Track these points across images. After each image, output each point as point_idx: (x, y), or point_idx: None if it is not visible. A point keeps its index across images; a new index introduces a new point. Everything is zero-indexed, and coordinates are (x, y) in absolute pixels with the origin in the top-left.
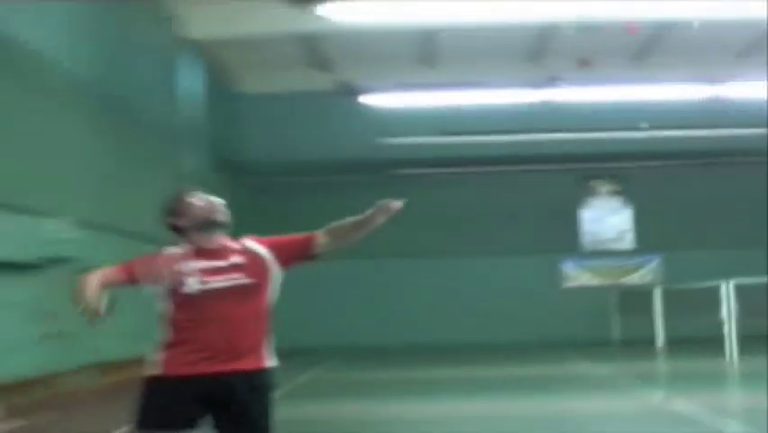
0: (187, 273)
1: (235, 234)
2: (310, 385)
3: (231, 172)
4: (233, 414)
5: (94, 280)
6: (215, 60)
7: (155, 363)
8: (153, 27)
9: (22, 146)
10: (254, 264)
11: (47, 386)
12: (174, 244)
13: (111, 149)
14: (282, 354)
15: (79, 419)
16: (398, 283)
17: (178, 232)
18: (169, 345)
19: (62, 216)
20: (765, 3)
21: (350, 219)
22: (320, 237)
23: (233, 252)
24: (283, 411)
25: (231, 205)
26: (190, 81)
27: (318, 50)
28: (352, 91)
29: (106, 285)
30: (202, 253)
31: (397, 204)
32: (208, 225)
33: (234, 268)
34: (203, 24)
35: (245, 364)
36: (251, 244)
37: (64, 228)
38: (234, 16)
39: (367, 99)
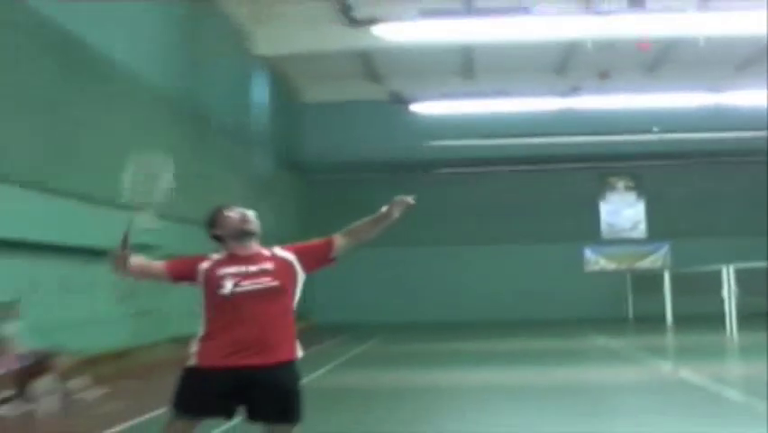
0: (223, 277)
1: (301, 220)
2: (359, 357)
3: (293, 171)
4: (262, 403)
5: (133, 259)
6: (281, 74)
7: (192, 355)
8: (229, 46)
9: (118, 149)
10: (282, 269)
11: (130, 358)
12: (217, 251)
13: (191, 151)
14: (329, 330)
15: (155, 388)
16: (442, 267)
17: (218, 241)
18: (205, 340)
19: (147, 211)
20: (762, 20)
21: (367, 218)
22: (338, 240)
23: (264, 258)
24: (336, 379)
25: (292, 198)
26: (260, 92)
27: (372, 64)
28: (401, 100)
29: (142, 271)
30: (236, 259)
31: (409, 199)
32: (241, 234)
33: (264, 273)
34: (271, 42)
35: (273, 358)
36: (280, 251)
37: (148, 222)
38: (298, 35)
39: (414, 107)
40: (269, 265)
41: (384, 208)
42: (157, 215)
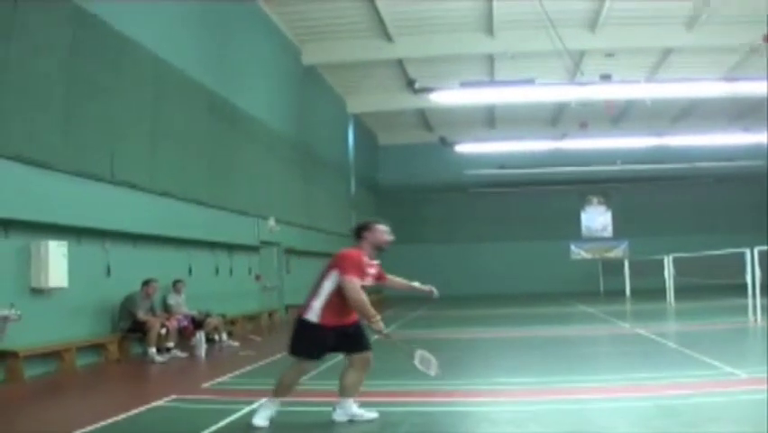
0: (367, 275)
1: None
2: (419, 318)
3: (371, 192)
4: (353, 339)
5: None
6: (365, 125)
7: (316, 315)
8: (331, 105)
9: (248, 176)
10: (376, 275)
11: (258, 320)
12: (354, 245)
13: (303, 177)
14: (396, 300)
15: (274, 341)
16: (472, 257)
17: (358, 240)
18: (327, 308)
19: (271, 217)
20: (689, 87)
21: (405, 281)
22: (387, 279)
23: (373, 265)
24: (404, 333)
25: (371, 211)
26: (350, 137)
27: (427, 118)
28: (446, 143)
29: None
30: (368, 263)
31: (435, 293)
32: (382, 248)
33: (371, 275)
34: (358, 104)
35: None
36: (376, 264)
37: (272, 226)
38: (376, 100)
39: (456, 147)
40: (373, 270)
41: (416, 284)
42: (278, 222)
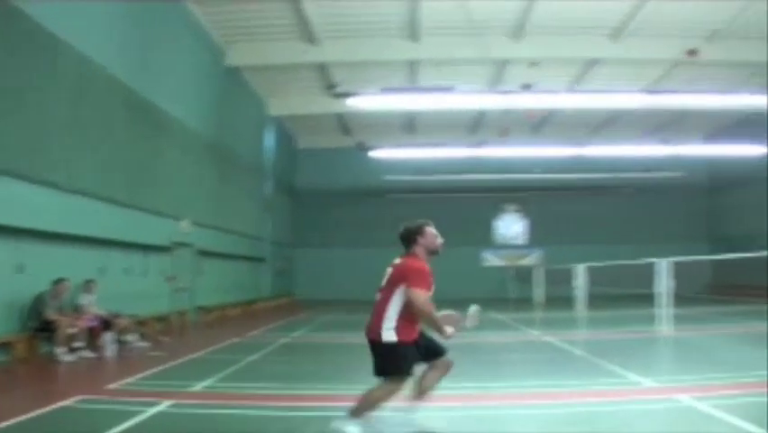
0: (432, 283)
1: (292, 229)
2: (329, 322)
3: (288, 194)
4: (428, 347)
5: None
6: (284, 128)
7: (392, 335)
8: (250, 106)
9: (164, 176)
10: None
11: (171, 320)
12: (409, 251)
13: (218, 179)
14: (308, 304)
15: (185, 342)
16: (388, 261)
17: (411, 245)
18: (401, 325)
19: (186, 218)
20: (603, 99)
21: (431, 316)
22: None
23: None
24: (309, 338)
25: (287, 213)
26: (269, 139)
27: (346, 123)
28: (364, 148)
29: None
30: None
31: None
32: (436, 252)
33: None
34: (278, 107)
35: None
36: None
37: (187, 226)
38: (297, 103)
39: (373, 153)
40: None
41: (441, 327)
42: (192, 223)
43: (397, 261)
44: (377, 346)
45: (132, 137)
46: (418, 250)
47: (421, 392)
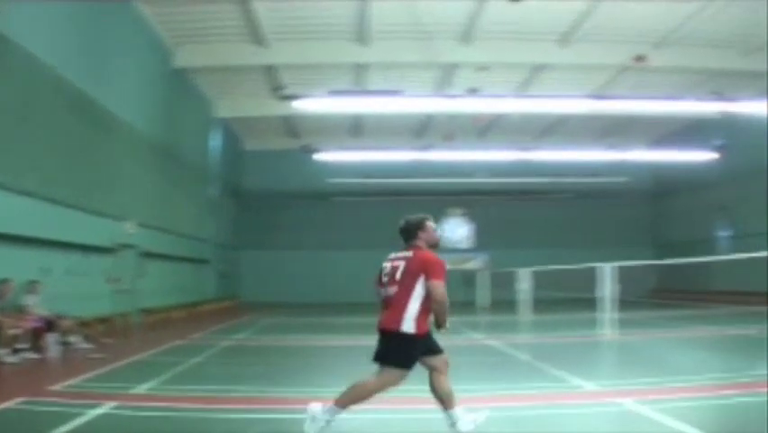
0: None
1: (236, 231)
2: (271, 325)
3: (234, 196)
4: (430, 345)
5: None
6: (231, 130)
7: (412, 326)
8: (197, 108)
9: (109, 177)
10: None
11: (111, 322)
12: (411, 245)
13: (163, 180)
14: (251, 306)
15: (128, 343)
16: (334, 264)
17: (412, 239)
18: (419, 317)
19: (130, 220)
20: (554, 103)
21: (446, 308)
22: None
23: None
24: (253, 340)
25: (232, 215)
26: (215, 141)
27: (292, 125)
28: (309, 150)
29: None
30: None
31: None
32: (435, 246)
33: None
34: (226, 109)
35: None
36: None
37: (131, 227)
38: (244, 105)
39: (318, 156)
40: None
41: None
42: (137, 224)
43: (405, 254)
44: (392, 335)
45: (78, 137)
46: (420, 243)
47: (447, 401)
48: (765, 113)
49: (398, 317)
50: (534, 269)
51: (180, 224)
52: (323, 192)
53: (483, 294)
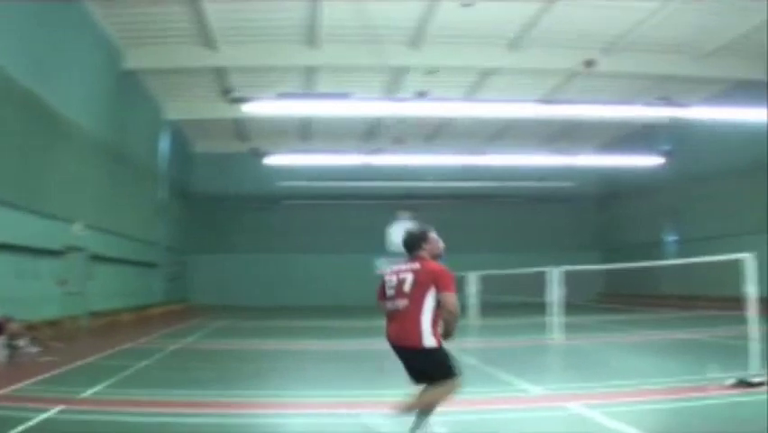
0: None
1: (185, 234)
2: (222, 329)
3: (182, 198)
4: None
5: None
6: (180, 132)
7: (431, 340)
8: (146, 110)
9: (59, 179)
10: None
11: (60, 326)
12: (415, 256)
13: (112, 183)
14: (203, 309)
15: (76, 347)
16: (284, 267)
17: (416, 250)
18: (433, 328)
19: (79, 222)
20: (502, 108)
21: (457, 320)
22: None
23: None
24: (201, 344)
25: (180, 217)
26: (165, 143)
27: (241, 128)
28: (258, 153)
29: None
30: None
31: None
32: (439, 257)
33: None
34: (175, 111)
35: None
36: None
37: (80, 230)
38: (193, 107)
39: (268, 159)
40: None
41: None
42: (85, 226)
43: (412, 265)
44: (417, 354)
45: (26, 138)
46: (424, 254)
47: (427, 407)
48: (713, 118)
49: (416, 331)
50: (482, 273)
51: (129, 226)
52: (273, 195)
53: None
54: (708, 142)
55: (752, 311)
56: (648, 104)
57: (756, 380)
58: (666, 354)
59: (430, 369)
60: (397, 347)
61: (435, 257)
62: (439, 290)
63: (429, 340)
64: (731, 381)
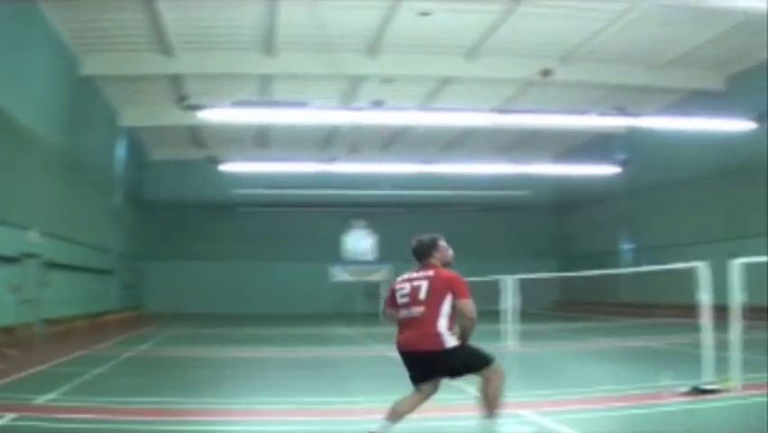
0: None
1: (140, 241)
2: (177, 336)
3: (137, 206)
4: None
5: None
6: (136, 139)
7: (451, 340)
8: (103, 116)
9: (14, 185)
10: None
11: (17, 332)
12: (425, 264)
13: (69, 189)
14: (158, 317)
15: (30, 354)
16: (239, 275)
17: (427, 258)
18: (450, 330)
19: (35, 229)
20: (456, 116)
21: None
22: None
23: None
24: (157, 351)
25: (135, 225)
26: (121, 150)
27: (197, 135)
28: (215, 161)
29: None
30: None
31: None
32: (449, 265)
33: None
34: (131, 118)
35: None
36: None
37: (35, 237)
38: (149, 114)
39: (224, 166)
40: None
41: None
42: (41, 233)
43: (425, 273)
44: (441, 355)
45: None
46: (434, 262)
47: (400, 415)
48: (668, 127)
49: (435, 336)
50: None
51: (85, 233)
52: (229, 203)
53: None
54: (663, 152)
55: (706, 319)
56: (604, 113)
57: (709, 387)
58: (621, 362)
59: (467, 363)
60: (411, 353)
61: (445, 264)
62: (456, 297)
63: (450, 341)
64: (684, 388)
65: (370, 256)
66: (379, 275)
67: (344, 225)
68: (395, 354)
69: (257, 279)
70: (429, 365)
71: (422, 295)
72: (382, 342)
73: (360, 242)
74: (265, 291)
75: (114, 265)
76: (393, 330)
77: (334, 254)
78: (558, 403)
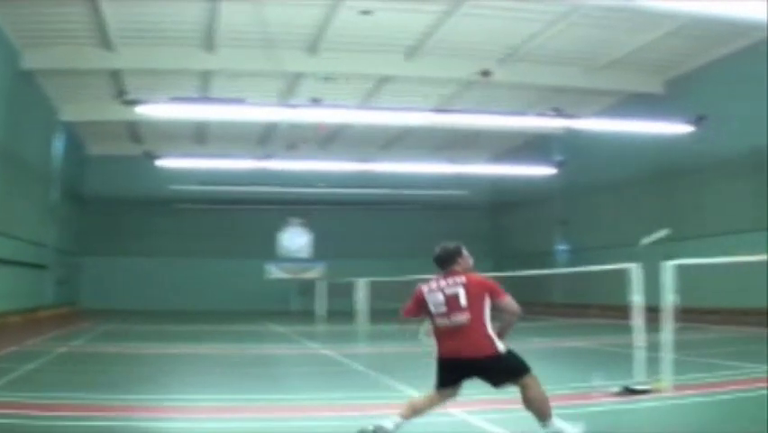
0: None
1: (77, 237)
2: (108, 333)
3: (75, 202)
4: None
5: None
6: (75, 134)
7: (500, 344)
8: (41, 111)
9: None
10: None
11: None
12: (450, 270)
13: (3, 183)
14: (91, 313)
15: None
16: (174, 271)
17: (451, 265)
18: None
19: None
20: (396, 116)
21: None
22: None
23: None
24: (90, 347)
25: (73, 221)
26: (59, 145)
27: (135, 130)
28: (152, 156)
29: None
30: None
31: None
32: (470, 271)
33: None
34: (73, 112)
35: None
36: None
37: None
38: (88, 109)
39: (161, 162)
40: None
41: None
42: None
43: (456, 279)
44: (493, 360)
45: None
46: (458, 268)
47: (415, 414)
48: (604, 129)
49: (486, 340)
50: (370, 279)
51: (19, 228)
52: (166, 199)
53: (321, 304)
54: (600, 154)
55: (637, 320)
56: (541, 114)
57: (640, 387)
58: (552, 362)
59: (513, 368)
60: (462, 360)
61: (467, 271)
62: (495, 297)
63: (500, 345)
64: (616, 388)
65: (306, 254)
66: (313, 273)
67: (281, 223)
68: (330, 352)
69: (193, 276)
70: (478, 371)
71: (462, 302)
72: (317, 340)
73: (295, 239)
74: (201, 288)
75: (50, 260)
76: (329, 329)
77: (270, 252)
78: (487, 403)
